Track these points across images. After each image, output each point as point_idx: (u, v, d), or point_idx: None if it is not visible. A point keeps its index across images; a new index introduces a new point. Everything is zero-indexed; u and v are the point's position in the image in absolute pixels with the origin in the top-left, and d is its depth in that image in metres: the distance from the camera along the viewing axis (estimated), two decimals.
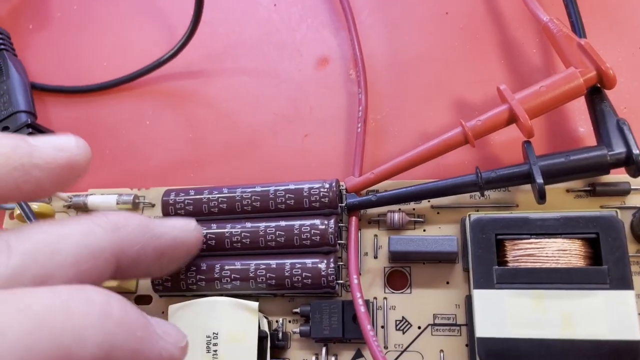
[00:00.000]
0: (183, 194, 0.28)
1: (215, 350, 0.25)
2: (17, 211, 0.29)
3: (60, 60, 0.36)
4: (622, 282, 0.23)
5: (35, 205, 0.29)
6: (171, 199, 0.28)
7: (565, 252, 0.24)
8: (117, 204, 0.30)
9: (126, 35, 0.36)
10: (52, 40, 0.37)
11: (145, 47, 0.35)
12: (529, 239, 0.24)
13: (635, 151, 0.24)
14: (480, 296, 0.24)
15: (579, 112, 0.29)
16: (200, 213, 0.28)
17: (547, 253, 0.24)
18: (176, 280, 0.27)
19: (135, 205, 0.30)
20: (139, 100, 0.34)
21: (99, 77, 0.34)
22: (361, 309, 0.24)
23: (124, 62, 0.34)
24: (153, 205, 0.30)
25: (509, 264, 0.24)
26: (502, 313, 0.23)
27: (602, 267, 0.23)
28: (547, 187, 0.26)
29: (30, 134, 0.30)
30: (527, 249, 0.24)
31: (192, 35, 0.32)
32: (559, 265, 0.24)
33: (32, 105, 0.33)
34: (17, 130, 0.31)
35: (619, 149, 0.25)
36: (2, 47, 0.34)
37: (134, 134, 0.33)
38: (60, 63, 0.36)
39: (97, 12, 0.37)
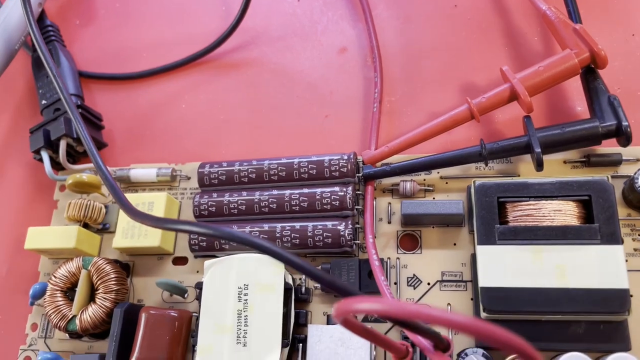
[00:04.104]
0: (217, 166, 0.31)
1: (246, 300, 0.28)
2: (69, 181, 0.32)
3: (104, 52, 0.40)
4: (612, 238, 0.25)
5: (84, 176, 0.32)
6: (206, 170, 0.31)
7: (560, 212, 0.26)
8: (157, 176, 0.33)
9: (163, 31, 0.39)
10: (96, 34, 0.40)
11: (179, 41, 0.38)
12: (527, 201, 0.27)
13: (625, 122, 0.27)
14: (484, 251, 0.26)
15: (577, 92, 0.32)
16: (232, 182, 0.31)
17: (544, 213, 0.27)
18: (210, 241, 0.30)
19: (173, 178, 0.33)
20: (176, 86, 0.37)
21: (139, 67, 0.38)
22: (375, 263, 0.27)
23: (163, 54, 0.38)
24: (189, 178, 0.33)
25: (510, 223, 0.27)
26: (503, 266, 0.26)
27: (593, 225, 0.26)
28: (546, 158, 0.29)
29: (79, 114, 0.34)
30: (525, 209, 0.27)
31: (232, 32, 0.36)
32: (555, 224, 0.26)
33: (80, 90, 0.36)
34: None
35: (610, 121, 0.27)
36: (53, 38, 0.38)
37: (171, 116, 0.36)
38: (104, 55, 0.39)
39: (136, 10, 0.41)
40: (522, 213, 0.27)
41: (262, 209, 0.30)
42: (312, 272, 0.18)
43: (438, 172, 0.31)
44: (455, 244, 0.29)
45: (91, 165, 0.33)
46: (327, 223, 0.29)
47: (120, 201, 0.25)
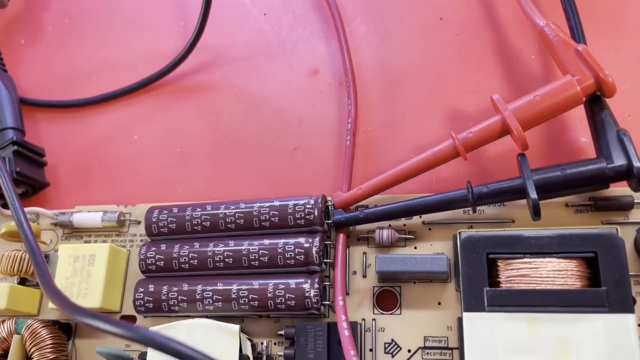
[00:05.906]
0: (166, 212, 0.27)
1: None
2: (2, 230, 0.29)
3: (52, 74, 0.36)
4: (622, 305, 0.21)
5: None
6: (154, 217, 0.27)
7: (561, 272, 0.22)
8: (102, 221, 0.29)
9: (114, 50, 0.35)
10: (43, 54, 0.36)
11: (134, 63, 0.34)
12: (522, 258, 0.23)
13: (637, 164, 0.23)
14: (471, 320, 0.22)
15: (580, 121, 0.27)
16: (184, 231, 0.27)
17: (542, 273, 0.22)
18: (158, 301, 0.26)
19: (121, 223, 0.29)
20: (128, 114, 0.33)
21: (89, 92, 0.34)
22: (345, 332, 0.23)
23: (114, 77, 0.34)
24: (139, 223, 0.29)
25: (502, 285, 0.23)
26: (494, 338, 0.22)
27: (600, 289, 0.22)
28: (545, 202, 0.25)
29: (15, 151, 0.30)
30: (520, 269, 0.23)
31: (190, 52, 0.32)
32: (555, 287, 0.22)
33: (20, 122, 0.32)
34: (3, 147, 0.30)
35: (619, 161, 0.23)
36: None
37: (122, 149, 0.32)
38: (51, 77, 0.35)
39: (89, 26, 0.36)
40: (516, 273, 0.23)
41: (217, 264, 0.26)
42: None
43: (420, 217, 0.26)
44: (439, 303, 0.25)
45: (26, 209, 0.29)
46: (290, 281, 0.25)
47: (40, 272, 0.21)
